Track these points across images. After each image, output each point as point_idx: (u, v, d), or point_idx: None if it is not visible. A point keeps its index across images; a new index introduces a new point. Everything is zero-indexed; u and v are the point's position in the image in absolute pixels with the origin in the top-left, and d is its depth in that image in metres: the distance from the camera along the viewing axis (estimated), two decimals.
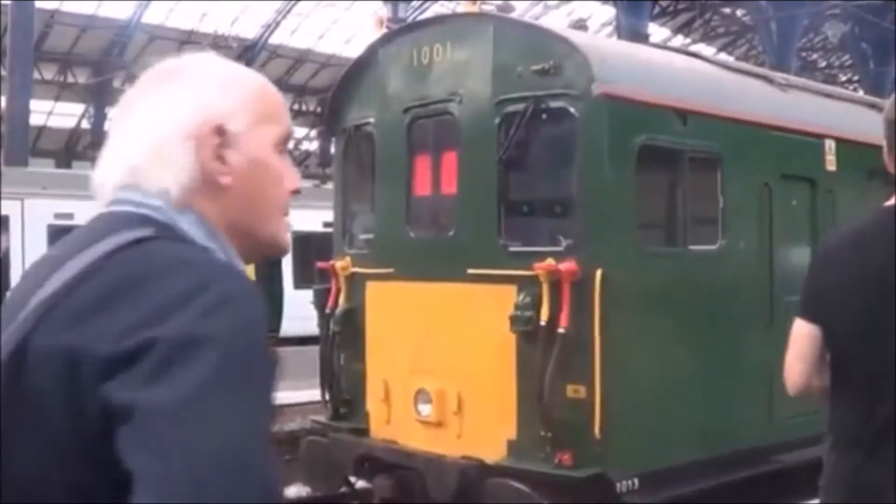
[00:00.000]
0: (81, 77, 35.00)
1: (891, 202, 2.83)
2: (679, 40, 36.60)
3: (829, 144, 7.95)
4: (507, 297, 6.19)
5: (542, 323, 5.98)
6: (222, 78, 1.45)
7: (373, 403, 7.10)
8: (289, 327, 16.72)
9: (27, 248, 15.75)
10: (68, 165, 34.12)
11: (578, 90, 6.17)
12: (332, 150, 10.03)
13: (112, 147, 1.44)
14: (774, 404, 6.91)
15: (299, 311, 12.67)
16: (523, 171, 6.80)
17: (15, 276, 13.77)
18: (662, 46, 12.46)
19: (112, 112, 1.50)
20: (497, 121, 6.55)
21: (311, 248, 14.83)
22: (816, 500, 3.07)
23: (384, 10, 22.82)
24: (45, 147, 35.48)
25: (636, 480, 6.00)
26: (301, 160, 37.88)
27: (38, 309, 1.27)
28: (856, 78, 35.19)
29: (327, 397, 7.51)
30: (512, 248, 6.45)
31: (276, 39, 35.93)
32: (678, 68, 7.53)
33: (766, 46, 27.69)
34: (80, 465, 1.23)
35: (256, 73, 1.52)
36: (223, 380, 1.16)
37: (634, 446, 6.15)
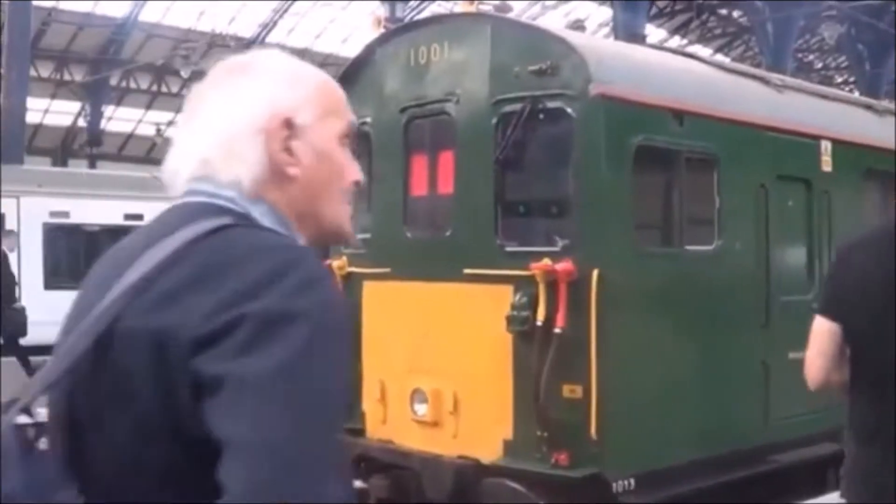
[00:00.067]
0: (78, 75, 34.96)
1: None
2: (676, 41, 36.67)
3: (825, 145, 7.96)
4: (503, 297, 6.19)
5: (539, 323, 5.98)
6: (290, 73, 1.50)
7: (369, 403, 7.09)
8: None
9: (23, 246, 15.72)
10: (64, 163, 34.12)
11: (575, 90, 6.17)
12: None
13: (184, 139, 1.48)
14: (770, 404, 6.90)
15: None
16: (520, 171, 6.80)
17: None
18: (659, 47, 12.49)
19: (184, 104, 1.54)
20: (494, 121, 6.55)
21: None
22: (816, 500, 3.21)
23: (381, 10, 22.82)
24: (40, 145, 35.39)
25: (633, 480, 6.00)
26: None
27: (127, 293, 1.29)
28: (852, 79, 35.25)
29: None
30: (508, 248, 6.45)
31: (273, 38, 35.83)
32: (675, 69, 7.54)
33: (763, 47, 27.76)
34: (169, 445, 1.25)
35: (320, 70, 1.56)
36: (315, 353, 1.21)
37: (631, 446, 6.15)
